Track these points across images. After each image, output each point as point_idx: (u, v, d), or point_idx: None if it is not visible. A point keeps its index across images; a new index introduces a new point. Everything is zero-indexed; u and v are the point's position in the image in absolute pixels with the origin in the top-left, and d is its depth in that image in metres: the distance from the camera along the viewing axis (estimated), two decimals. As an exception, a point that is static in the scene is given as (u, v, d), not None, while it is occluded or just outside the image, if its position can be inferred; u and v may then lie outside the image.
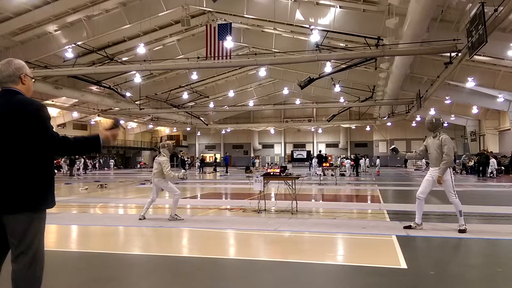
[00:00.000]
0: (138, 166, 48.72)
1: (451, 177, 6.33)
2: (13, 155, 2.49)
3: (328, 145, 53.96)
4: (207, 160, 48.99)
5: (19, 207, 2.47)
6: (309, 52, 20.20)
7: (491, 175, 23.16)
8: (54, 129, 2.61)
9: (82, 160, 28.69)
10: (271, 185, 11.66)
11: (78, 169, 27.81)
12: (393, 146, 7.38)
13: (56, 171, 27.76)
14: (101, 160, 44.46)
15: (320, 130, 53.35)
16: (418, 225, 6.46)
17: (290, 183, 8.89)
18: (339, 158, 33.58)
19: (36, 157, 2.53)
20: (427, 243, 5.84)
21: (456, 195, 6.33)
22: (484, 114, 34.17)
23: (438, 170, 6.29)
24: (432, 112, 34.75)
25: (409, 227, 6.50)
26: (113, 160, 46.20)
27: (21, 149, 2.49)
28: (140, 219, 7.64)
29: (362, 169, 30.94)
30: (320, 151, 26.36)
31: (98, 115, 38.64)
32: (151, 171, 8.32)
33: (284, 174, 9.07)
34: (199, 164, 36.10)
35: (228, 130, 54.14)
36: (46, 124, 2.55)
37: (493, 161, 23.69)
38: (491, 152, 28.35)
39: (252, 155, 54.68)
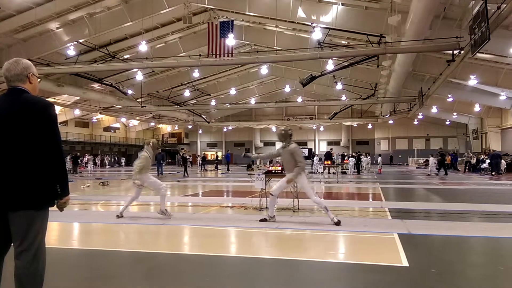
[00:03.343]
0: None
1: (306, 180, 7.10)
2: (19, 153, 2.52)
3: (329, 143, 53.86)
4: (209, 158, 48.98)
5: (23, 205, 2.51)
6: (311, 49, 20.15)
7: (435, 173, 24.17)
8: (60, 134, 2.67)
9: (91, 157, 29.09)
10: (272, 183, 11.63)
11: (87, 164, 28.03)
12: (244, 153, 8.34)
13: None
14: (104, 157, 44.54)
15: (321, 128, 53.30)
16: (271, 218, 7.10)
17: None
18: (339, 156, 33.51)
19: (40, 156, 2.55)
20: (429, 241, 5.83)
21: (317, 195, 7.12)
22: (487, 112, 34.06)
23: (292, 174, 7.00)
24: (434, 110, 34.74)
25: (265, 220, 7.10)
26: (123, 158, 46.36)
27: (26, 147, 2.53)
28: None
29: (363, 167, 30.87)
30: (331, 149, 26.37)
31: (100, 113, 38.74)
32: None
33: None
34: (200, 162, 36.15)
35: (230, 128, 54.16)
36: (52, 122, 2.60)
37: (432, 160, 25.30)
38: (443, 150, 29.24)
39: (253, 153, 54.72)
